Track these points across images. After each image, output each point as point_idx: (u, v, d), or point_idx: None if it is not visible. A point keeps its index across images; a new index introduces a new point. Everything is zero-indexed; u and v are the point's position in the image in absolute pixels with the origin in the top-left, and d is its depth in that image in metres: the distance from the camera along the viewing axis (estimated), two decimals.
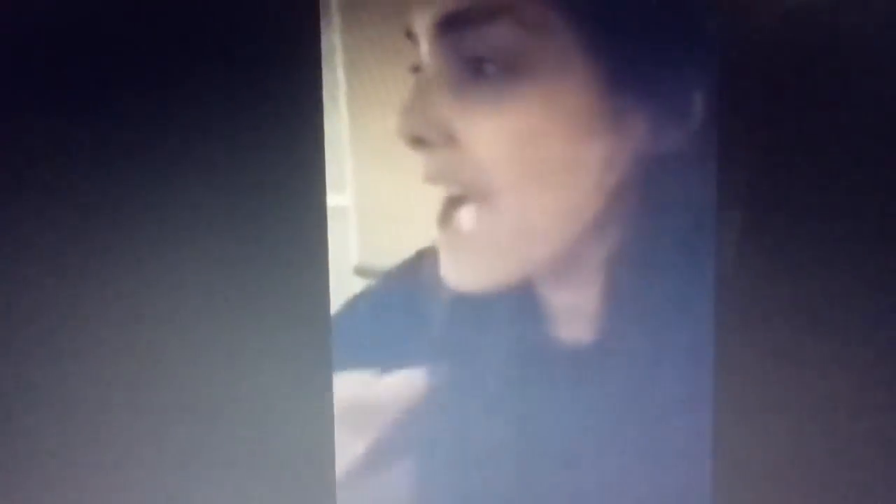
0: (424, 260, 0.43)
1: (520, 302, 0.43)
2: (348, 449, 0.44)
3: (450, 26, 0.40)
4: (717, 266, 0.42)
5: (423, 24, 0.41)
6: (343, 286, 0.43)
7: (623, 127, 0.41)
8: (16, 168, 0.43)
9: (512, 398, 0.44)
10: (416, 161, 0.42)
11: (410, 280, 0.43)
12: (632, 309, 0.43)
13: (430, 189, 0.42)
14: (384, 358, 0.44)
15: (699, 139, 0.42)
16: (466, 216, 0.42)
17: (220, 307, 0.44)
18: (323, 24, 0.42)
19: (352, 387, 0.43)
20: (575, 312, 0.43)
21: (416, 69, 0.41)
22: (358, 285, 0.43)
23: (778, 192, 0.42)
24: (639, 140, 0.42)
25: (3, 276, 0.44)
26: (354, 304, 0.43)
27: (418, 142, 0.41)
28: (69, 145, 0.43)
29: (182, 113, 0.43)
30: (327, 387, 0.44)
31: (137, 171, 0.43)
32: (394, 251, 0.43)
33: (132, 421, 0.45)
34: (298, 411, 0.44)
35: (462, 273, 0.43)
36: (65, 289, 0.44)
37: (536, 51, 0.40)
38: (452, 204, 0.42)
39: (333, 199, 0.43)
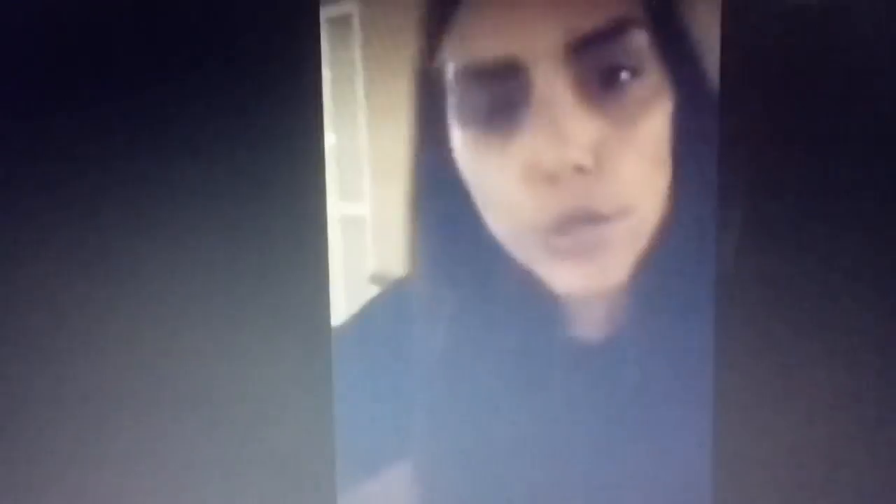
0: (425, 265, 0.43)
1: (533, 301, 0.43)
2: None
3: (588, 44, 0.40)
4: (717, 266, 0.42)
5: (546, 50, 0.40)
6: (358, 295, 0.43)
7: (678, 125, 0.42)
8: (14, 168, 0.43)
9: (513, 397, 0.44)
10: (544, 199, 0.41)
11: (414, 284, 0.43)
12: (632, 309, 0.43)
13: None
14: (386, 364, 0.44)
15: (699, 139, 0.42)
16: (590, 229, 0.41)
17: (222, 315, 0.44)
18: (340, 32, 0.42)
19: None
20: (592, 313, 0.43)
21: (511, 103, 0.40)
22: (373, 294, 0.43)
23: (778, 191, 0.42)
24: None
25: (3, 276, 0.44)
26: (358, 311, 0.44)
27: (578, 171, 0.40)
28: (69, 154, 0.43)
29: (182, 119, 0.43)
30: (328, 392, 0.44)
31: (138, 179, 0.43)
32: (407, 260, 0.43)
33: (133, 428, 0.45)
34: (299, 416, 0.44)
35: (574, 280, 0.42)
36: (68, 299, 0.44)
37: (646, 50, 0.40)
38: (574, 217, 0.41)
39: (350, 209, 0.43)
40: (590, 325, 0.43)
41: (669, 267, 0.43)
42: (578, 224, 0.41)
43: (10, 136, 0.43)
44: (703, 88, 0.41)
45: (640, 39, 0.40)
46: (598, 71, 0.40)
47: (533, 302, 0.43)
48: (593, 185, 0.41)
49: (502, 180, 0.42)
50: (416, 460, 0.45)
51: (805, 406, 0.43)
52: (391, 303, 0.43)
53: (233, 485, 0.45)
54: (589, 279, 0.42)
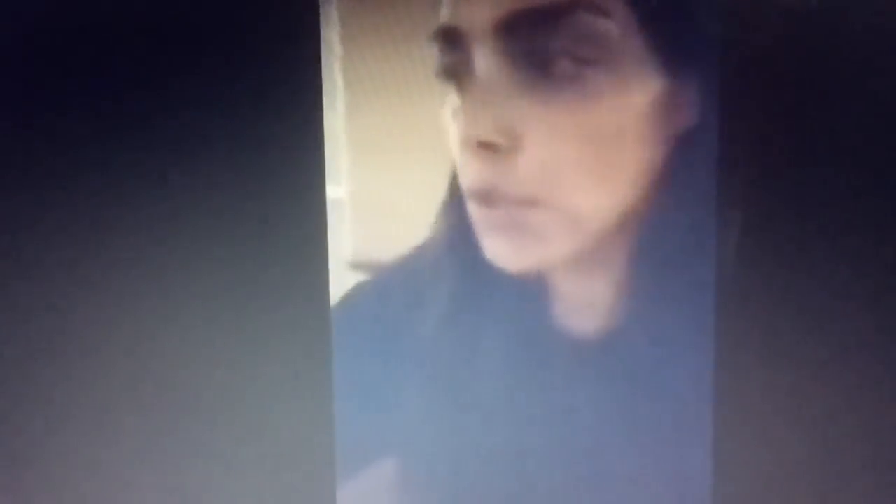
0: (425, 251, 0.43)
1: (528, 292, 0.43)
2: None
3: (519, 23, 0.39)
4: (717, 266, 0.42)
5: (480, 24, 0.40)
6: (339, 279, 0.44)
7: (662, 123, 0.41)
8: (14, 168, 0.44)
9: (512, 395, 0.44)
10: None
11: (412, 271, 0.43)
12: (631, 309, 0.43)
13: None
14: (386, 351, 0.44)
15: (699, 139, 0.42)
16: (516, 210, 0.41)
17: (219, 302, 0.44)
18: (322, 16, 0.42)
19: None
20: (583, 306, 0.43)
21: (456, 71, 0.40)
22: (353, 278, 0.43)
23: (778, 191, 0.42)
24: (667, 138, 0.41)
25: (3, 277, 0.44)
26: (354, 296, 0.44)
27: (486, 147, 0.40)
28: (68, 143, 0.44)
29: (180, 107, 0.43)
30: (328, 382, 0.44)
31: (135, 166, 0.44)
32: (390, 245, 0.43)
33: (129, 419, 0.45)
34: (298, 407, 0.45)
35: (508, 256, 0.42)
36: (60, 285, 0.44)
37: (608, 40, 0.39)
38: (492, 193, 0.41)
39: (329, 192, 0.43)
40: (589, 322, 0.43)
41: (669, 265, 0.43)
42: (498, 200, 0.41)
43: (10, 136, 0.44)
44: (701, 86, 0.41)
45: (593, 26, 0.39)
46: (536, 52, 0.39)
47: (531, 297, 0.43)
48: (506, 165, 0.40)
49: (454, 147, 0.42)
50: (415, 457, 0.45)
51: (805, 406, 0.43)
52: (387, 293, 0.43)
53: (231, 481, 0.45)
54: (517, 259, 0.42)
